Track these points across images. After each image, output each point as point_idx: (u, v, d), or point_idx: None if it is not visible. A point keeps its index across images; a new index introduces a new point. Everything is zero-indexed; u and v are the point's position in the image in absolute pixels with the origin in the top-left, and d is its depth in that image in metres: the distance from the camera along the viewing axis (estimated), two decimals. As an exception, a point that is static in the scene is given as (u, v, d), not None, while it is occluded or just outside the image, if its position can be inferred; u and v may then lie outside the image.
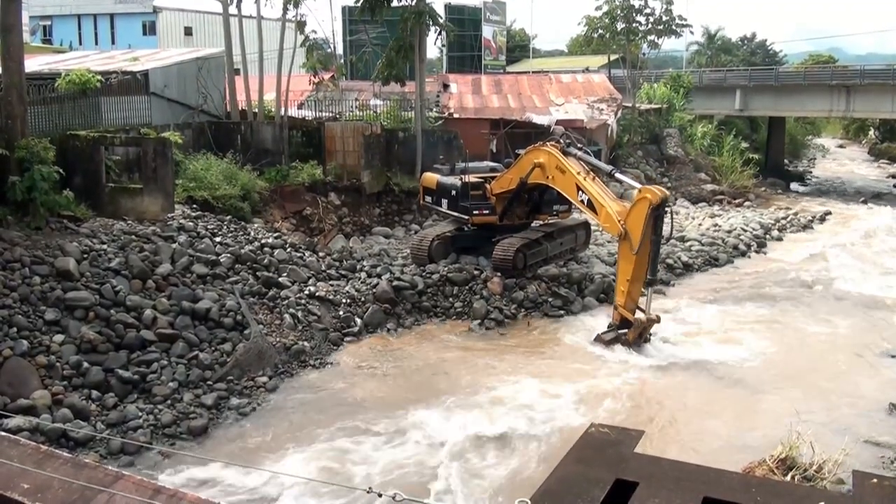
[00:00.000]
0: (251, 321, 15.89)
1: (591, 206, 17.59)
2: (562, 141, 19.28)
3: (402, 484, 11.06)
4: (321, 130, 26.58)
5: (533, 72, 49.03)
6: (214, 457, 11.95)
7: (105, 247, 16.51)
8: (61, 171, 16.89)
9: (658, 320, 17.05)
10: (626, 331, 16.83)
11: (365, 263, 20.59)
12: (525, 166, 19.57)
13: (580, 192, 17.83)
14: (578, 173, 17.91)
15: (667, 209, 16.19)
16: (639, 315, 16.78)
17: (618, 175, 18.45)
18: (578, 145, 19.43)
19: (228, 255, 17.97)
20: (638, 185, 17.30)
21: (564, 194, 18.91)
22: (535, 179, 19.34)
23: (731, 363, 16.44)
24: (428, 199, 23.02)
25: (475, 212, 21.09)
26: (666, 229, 16.34)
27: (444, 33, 31.06)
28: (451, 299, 19.28)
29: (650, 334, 17.03)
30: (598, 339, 17.23)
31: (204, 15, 50.55)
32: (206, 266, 17.27)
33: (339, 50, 39.47)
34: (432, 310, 19.02)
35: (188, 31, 51.38)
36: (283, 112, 27.68)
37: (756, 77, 46.41)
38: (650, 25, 40.25)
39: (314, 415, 13.76)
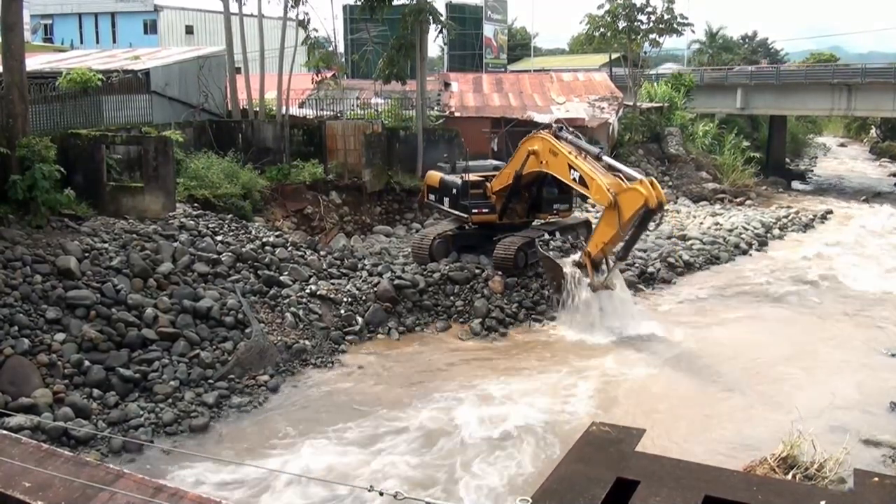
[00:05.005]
0: (252, 320, 15.89)
1: (583, 183, 17.86)
2: (553, 126, 19.66)
3: (403, 482, 11.07)
4: (322, 129, 26.58)
5: (534, 70, 49.00)
6: (215, 455, 11.96)
7: (106, 245, 16.53)
8: (62, 169, 16.92)
9: (613, 288, 18.00)
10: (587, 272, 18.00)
11: (366, 262, 20.58)
12: (520, 156, 19.78)
13: (572, 171, 18.15)
14: (570, 153, 18.28)
15: (658, 215, 16.95)
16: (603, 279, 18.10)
17: (605, 158, 18.62)
18: (570, 129, 19.92)
19: (229, 253, 17.97)
20: (638, 176, 17.50)
21: (558, 176, 19.02)
22: (531, 168, 19.47)
23: (731, 361, 16.45)
24: (431, 197, 23.14)
25: (474, 210, 21.12)
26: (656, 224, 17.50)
27: (445, 31, 31.01)
28: (452, 298, 19.27)
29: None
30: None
31: (205, 13, 50.55)
32: (208, 265, 17.29)
33: (340, 48, 39.47)
34: (433, 308, 19.01)
35: (189, 30, 51.37)
36: (284, 111, 27.68)
37: (757, 76, 46.33)
38: (652, 24, 40.19)
39: (315, 413, 13.77)
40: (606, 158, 18.59)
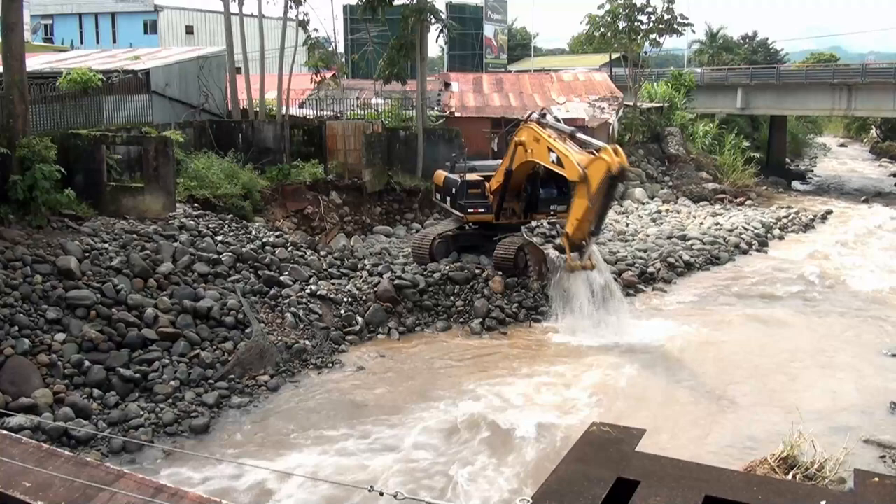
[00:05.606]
0: (252, 320, 15.89)
1: (561, 164, 17.97)
2: (537, 114, 19.87)
3: (403, 482, 11.07)
4: (322, 129, 26.58)
5: (534, 70, 48.99)
6: (216, 455, 11.96)
7: (106, 245, 16.53)
8: (63, 169, 16.92)
9: (592, 268, 18.15)
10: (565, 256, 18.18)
11: (366, 262, 20.59)
12: (510, 150, 19.93)
13: (551, 153, 18.24)
14: (550, 136, 18.44)
15: (623, 179, 17.20)
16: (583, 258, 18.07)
17: (578, 135, 18.76)
18: (553, 114, 19.83)
19: (230, 253, 17.98)
20: (603, 144, 17.65)
21: (540, 162, 19.12)
22: (519, 160, 19.59)
23: (731, 361, 16.45)
24: (438, 195, 23.43)
25: (470, 210, 21.16)
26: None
27: (445, 31, 31.02)
28: (452, 298, 19.27)
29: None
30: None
31: (205, 14, 50.55)
32: (208, 265, 17.29)
33: (341, 48, 39.49)
34: (433, 309, 19.01)
35: (189, 30, 51.36)
36: (284, 111, 27.68)
37: (757, 75, 46.34)
38: (652, 24, 40.20)
39: (315, 413, 13.77)
40: (580, 135, 18.77)
